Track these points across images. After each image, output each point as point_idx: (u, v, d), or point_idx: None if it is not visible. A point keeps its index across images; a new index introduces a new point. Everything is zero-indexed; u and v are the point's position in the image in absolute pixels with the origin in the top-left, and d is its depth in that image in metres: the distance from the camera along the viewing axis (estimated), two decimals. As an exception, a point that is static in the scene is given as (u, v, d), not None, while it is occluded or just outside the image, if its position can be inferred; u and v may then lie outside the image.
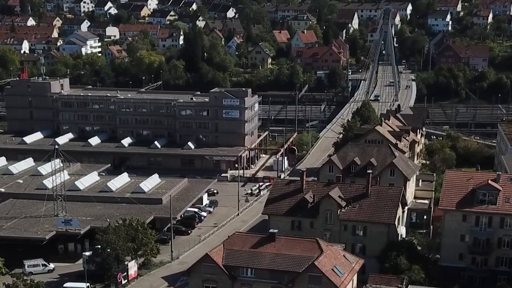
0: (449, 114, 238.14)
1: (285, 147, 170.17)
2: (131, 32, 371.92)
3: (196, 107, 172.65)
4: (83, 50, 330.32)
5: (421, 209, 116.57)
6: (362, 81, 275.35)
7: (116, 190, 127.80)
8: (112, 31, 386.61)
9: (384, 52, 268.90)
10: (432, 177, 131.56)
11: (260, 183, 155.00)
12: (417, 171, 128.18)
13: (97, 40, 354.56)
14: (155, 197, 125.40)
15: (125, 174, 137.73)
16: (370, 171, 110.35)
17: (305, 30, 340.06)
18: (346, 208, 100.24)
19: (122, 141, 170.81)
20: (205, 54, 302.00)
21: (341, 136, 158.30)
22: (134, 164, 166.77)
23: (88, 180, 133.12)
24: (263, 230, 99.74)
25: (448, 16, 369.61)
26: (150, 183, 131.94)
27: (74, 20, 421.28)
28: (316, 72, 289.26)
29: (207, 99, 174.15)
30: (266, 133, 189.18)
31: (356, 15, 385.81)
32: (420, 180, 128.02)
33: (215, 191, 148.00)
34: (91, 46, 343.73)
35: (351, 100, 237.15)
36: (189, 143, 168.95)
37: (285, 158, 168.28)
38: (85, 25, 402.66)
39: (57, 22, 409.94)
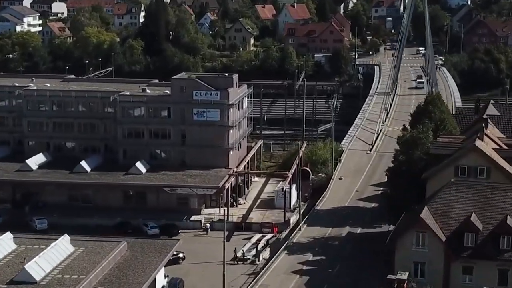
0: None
1: (294, 169, 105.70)
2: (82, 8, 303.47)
3: (150, 103, 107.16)
4: (18, 29, 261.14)
5: None
6: (376, 67, 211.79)
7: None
8: (59, 7, 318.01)
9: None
10: None
11: (257, 236, 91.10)
12: None
13: (37, 17, 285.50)
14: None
15: (6, 237, 71.37)
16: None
17: (295, 4, 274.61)
18: None
19: (28, 161, 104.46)
20: (170, 32, 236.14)
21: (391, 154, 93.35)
22: (48, 200, 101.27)
23: None
24: None
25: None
26: (49, 259, 66.14)
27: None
28: (313, 55, 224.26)
29: (168, 91, 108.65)
30: (260, 143, 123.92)
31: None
32: None
33: (180, 255, 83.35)
34: (29, 24, 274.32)
35: (371, 92, 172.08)
36: (138, 164, 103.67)
37: (294, 187, 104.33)
38: (28, 0, 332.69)
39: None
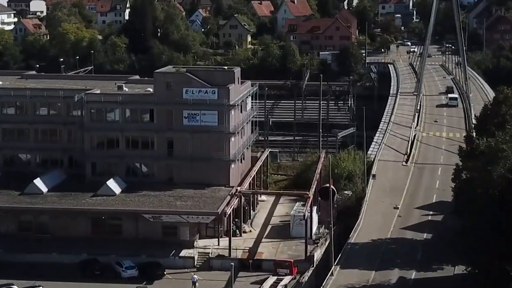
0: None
1: (314, 187, 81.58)
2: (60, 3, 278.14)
3: (127, 104, 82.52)
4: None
5: None
6: (390, 66, 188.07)
7: None
8: (38, 6, 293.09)
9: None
10: None
11: (271, 280, 67.51)
12: None
13: (12, 15, 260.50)
14: None
15: None
16: None
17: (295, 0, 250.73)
18: None
19: (-34, 179, 79.84)
20: (158, 30, 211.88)
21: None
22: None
23: None
24: None
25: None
26: None
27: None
28: (318, 53, 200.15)
29: (150, 89, 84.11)
30: (267, 152, 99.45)
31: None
32: None
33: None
34: (3, 22, 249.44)
35: (392, 92, 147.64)
36: (111, 183, 79.21)
37: (315, 209, 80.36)
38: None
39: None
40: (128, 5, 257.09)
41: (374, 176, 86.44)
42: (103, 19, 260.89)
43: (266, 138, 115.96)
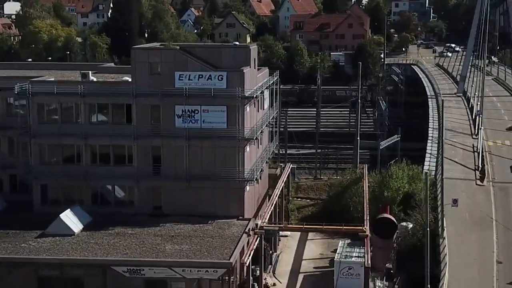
0: None
1: (367, 219, 55.27)
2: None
3: (93, 97, 55.41)
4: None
5: None
6: (414, 67, 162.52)
7: None
8: (13, 8, 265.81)
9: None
10: None
11: None
12: None
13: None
14: None
15: None
16: None
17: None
18: None
19: None
20: (146, 30, 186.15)
21: None
22: None
23: None
24: None
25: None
26: None
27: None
28: (329, 54, 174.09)
29: (128, 78, 57.27)
30: (289, 168, 72.55)
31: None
32: None
33: None
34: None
35: (430, 94, 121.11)
36: (67, 216, 52.30)
37: (371, 254, 54.00)
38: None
39: None
40: (111, 5, 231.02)
41: (455, 201, 59.73)
42: (84, 21, 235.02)
43: (285, 151, 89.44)
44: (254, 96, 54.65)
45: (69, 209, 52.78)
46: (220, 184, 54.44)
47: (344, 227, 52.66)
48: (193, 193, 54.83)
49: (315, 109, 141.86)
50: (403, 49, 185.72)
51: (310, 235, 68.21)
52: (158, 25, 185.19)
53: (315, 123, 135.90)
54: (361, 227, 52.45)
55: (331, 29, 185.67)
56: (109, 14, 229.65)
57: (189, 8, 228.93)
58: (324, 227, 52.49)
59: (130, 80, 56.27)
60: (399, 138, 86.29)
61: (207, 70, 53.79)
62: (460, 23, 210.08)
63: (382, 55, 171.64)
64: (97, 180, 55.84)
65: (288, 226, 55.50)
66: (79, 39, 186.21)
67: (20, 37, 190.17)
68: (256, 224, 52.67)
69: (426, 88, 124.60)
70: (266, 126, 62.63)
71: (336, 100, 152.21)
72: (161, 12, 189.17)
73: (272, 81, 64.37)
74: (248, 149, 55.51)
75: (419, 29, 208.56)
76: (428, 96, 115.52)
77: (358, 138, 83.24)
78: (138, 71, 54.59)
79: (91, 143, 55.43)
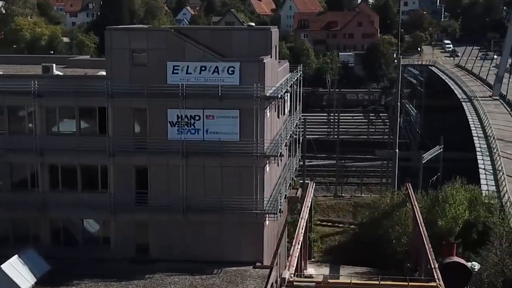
0: None
1: (434, 264, 39.82)
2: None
3: (52, 98, 39.72)
4: None
5: None
6: (433, 68, 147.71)
7: None
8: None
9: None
10: None
11: None
12: None
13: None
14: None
15: None
16: None
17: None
18: None
19: None
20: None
21: None
22: None
23: None
24: None
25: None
26: None
27: None
28: (338, 54, 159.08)
29: (104, 73, 41.70)
30: (312, 187, 57.11)
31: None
32: None
33: None
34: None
35: (462, 97, 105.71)
36: (12, 266, 36.67)
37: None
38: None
39: None
40: (101, 3, 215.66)
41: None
42: (73, 20, 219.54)
43: (303, 165, 73.84)
44: (279, 96, 39.21)
45: (16, 256, 37.32)
46: (230, 218, 39.14)
47: (409, 283, 37.02)
48: (193, 230, 39.51)
49: (325, 114, 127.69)
50: (419, 48, 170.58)
51: (342, 271, 53.28)
52: (151, 23, 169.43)
53: (326, 130, 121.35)
54: (435, 285, 36.91)
55: (339, 27, 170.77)
56: (99, 13, 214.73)
57: (185, 7, 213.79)
58: (381, 283, 36.80)
59: (105, 73, 40.85)
60: (441, 150, 71.10)
61: (213, 60, 38.50)
62: (475, 22, 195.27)
63: (395, 56, 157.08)
64: (59, 211, 40.34)
65: (329, 282, 39.85)
66: (66, 39, 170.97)
67: (2, 35, 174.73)
68: (284, 279, 37.25)
69: (456, 91, 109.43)
70: (289, 137, 47.18)
71: (347, 104, 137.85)
72: (154, 9, 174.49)
73: (295, 78, 49.02)
74: (267, 168, 40.24)
75: (431, 28, 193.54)
76: (461, 100, 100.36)
77: (397, 150, 67.62)
78: (116, 62, 39.19)
79: (50, 161, 39.97)
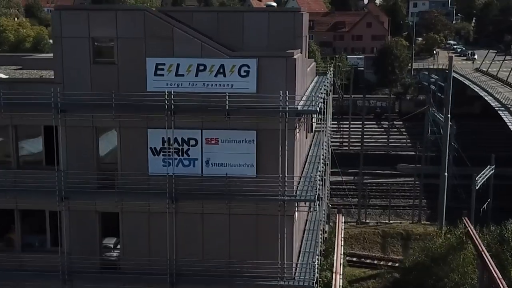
0: None
1: None
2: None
3: None
4: None
5: None
6: (452, 73, 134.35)
7: None
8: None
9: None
10: None
11: None
12: None
13: None
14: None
15: None
16: None
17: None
18: None
19: None
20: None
21: None
22: None
23: None
24: None
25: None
26: None
27: None
28: (346, 58, 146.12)
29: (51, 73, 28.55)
30: (341, 222, 43.84)
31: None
32: None
33: None
34: None
35: (497, 105, 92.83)
36: None
37: None
38: None
39: None
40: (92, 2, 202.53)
41: None
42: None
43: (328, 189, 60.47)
44: (317, 109, 25.81)
45: None
46: (242, 292, 26.03)
47: None
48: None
49: (335, 122, 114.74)
50: (434, 51, 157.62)
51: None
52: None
53: (338, 140, 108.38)
54: None
55: (347, 29, 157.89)
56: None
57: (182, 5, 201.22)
58: None
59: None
60: (493, 171, 57.88)
61: (216, 55, 25.33)
62: (490, 24, 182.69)
63: (412, 59, 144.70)
64: (-10, 279, 27.16)
65: None
66: (45, 32, 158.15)
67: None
68: None
69: (486, 98, 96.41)
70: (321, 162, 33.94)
71: (358, 111, 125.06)
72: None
73: (326, 81, 35.85)
74: (296, 216, 27.07)
75: (446, 31, 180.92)
76: (496, 108, 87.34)
77: (446, 170, 53.81)
78: (69, 58, 26.00)
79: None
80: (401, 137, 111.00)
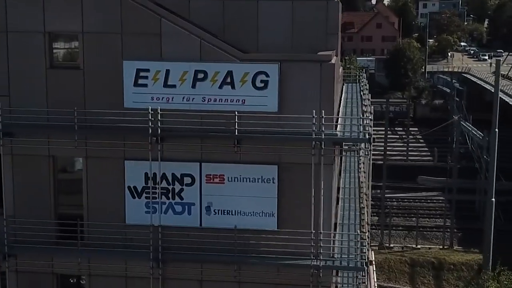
0: None
1: None
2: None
3: None
4: None
5: None
6: (465, 75, 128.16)
7: None
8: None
9: None
10: None
11: None
12: None
13: None
14: None
15: None
16: None
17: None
18: None
19: None
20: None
21: None
22: None
23: None
24: None
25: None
26: None
27: None
28: (356, 59, 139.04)
29: None
30: (373, 274, 36.58)
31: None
32: None
33: None
34: None
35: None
36: None
37: None
38: None
39: None
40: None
41: None
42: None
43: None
44: (367, 136, 18.33)
45: None
46: None
47: None
48: None
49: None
50: (448, 53, 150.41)
51: None
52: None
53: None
54: None
55: (356, 29, 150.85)
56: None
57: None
58: None
59: None
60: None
61: (220, 58, 17.90)
62: (504, 26, 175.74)
63: (425, 61, 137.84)
64: None
65: None
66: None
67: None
68: None
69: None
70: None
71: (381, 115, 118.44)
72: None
73: (362, 93, 28.36)
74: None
75: (459, 32, 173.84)
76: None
77: (494, 187, 44.90)
78: (16, 61, 18.64)
79: None
80: (418, 145, 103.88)
